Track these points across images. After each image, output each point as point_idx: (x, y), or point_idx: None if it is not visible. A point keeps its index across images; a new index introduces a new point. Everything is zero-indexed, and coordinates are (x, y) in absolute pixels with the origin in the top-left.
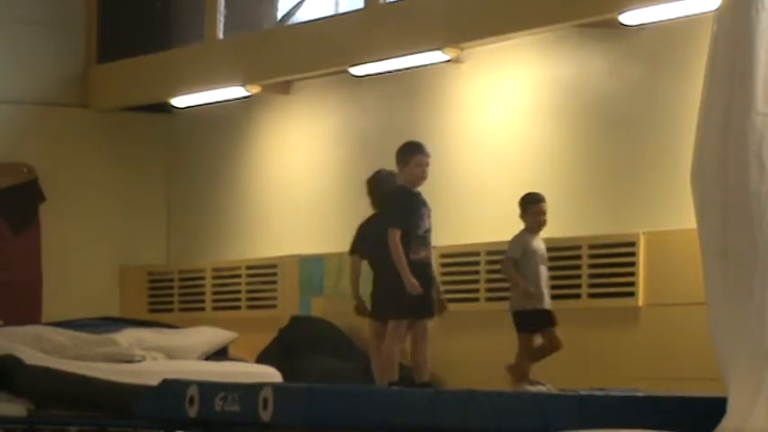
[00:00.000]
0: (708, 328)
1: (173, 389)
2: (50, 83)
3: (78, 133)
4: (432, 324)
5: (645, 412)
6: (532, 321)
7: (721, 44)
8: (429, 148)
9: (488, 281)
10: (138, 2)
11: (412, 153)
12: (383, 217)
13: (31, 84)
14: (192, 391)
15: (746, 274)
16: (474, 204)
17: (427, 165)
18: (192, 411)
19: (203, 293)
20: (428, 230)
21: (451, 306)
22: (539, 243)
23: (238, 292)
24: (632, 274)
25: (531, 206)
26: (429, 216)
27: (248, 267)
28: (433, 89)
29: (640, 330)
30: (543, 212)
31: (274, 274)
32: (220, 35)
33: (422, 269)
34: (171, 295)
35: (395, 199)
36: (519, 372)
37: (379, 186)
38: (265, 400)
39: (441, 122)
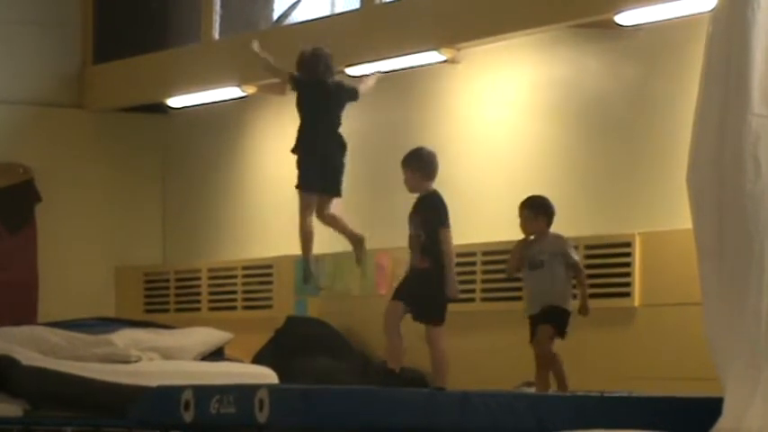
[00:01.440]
0: (703, 329)
1: (167, 394)
2: (46, 83)
3: (74, 134)
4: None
5: (641, 413)
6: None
7: (717, 44)
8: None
9: (484, 281)
10: (134, 2)
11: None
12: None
13: (27, 84)
14: (187, 395)
15: (742, 274)
16: (470, 205)
17: (404, 175)
18: (188, 416)
19: (199, 294)
20: (416, 236)
21: (450, 306)
22: (527, 247)
23: (234, 292)
24: (628, 275)
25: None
26: (416, 221)
27: (244, 268)
28: (428, 90)
29: (636, 331)
30: (522, 217)
31: (270, 275)
32: (216, 35)
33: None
34: (167, 296)
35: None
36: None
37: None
38: (261, 402)
39: (437, 123)
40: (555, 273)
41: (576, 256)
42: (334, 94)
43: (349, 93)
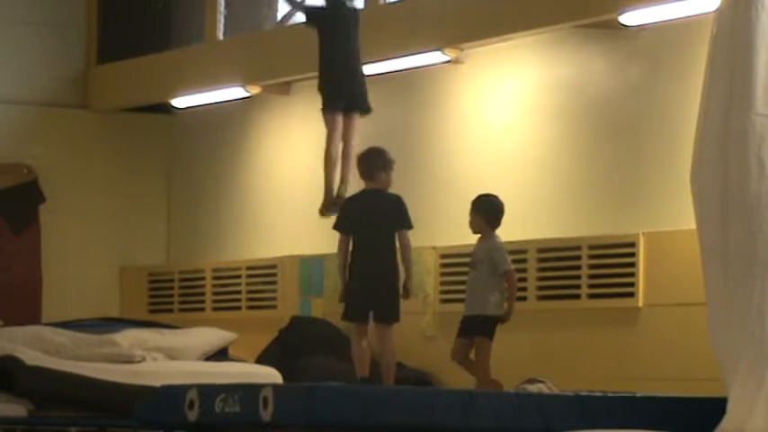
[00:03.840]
0: (707, 329)
1: (172, 394)
2: (51, 83)
3: (79, 134)
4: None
5: (644, 413)
6: None
7: (721, 45)
8: (429, 148)
9: None
10: (138, 2)
11: (389, 160)
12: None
13: (32, 84)
14: (192, 394)
15: (746, 274)
16: None
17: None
18: (193, 415)
19: (203, 294)
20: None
21: (451, 306)
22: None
23: (238, 292)
24: (632, 275)
25: None
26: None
27: (248, 268)
28: (433, 90)
29: (640, 331)
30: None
31: (274, 275)
32: (221, 36)
33: None
34: (171, 296)
35: (401, 203)
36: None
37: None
38: (265, 400)
39: (441, 123)
40: (480, 278)
41: (507, 265)
42: (353, 19)
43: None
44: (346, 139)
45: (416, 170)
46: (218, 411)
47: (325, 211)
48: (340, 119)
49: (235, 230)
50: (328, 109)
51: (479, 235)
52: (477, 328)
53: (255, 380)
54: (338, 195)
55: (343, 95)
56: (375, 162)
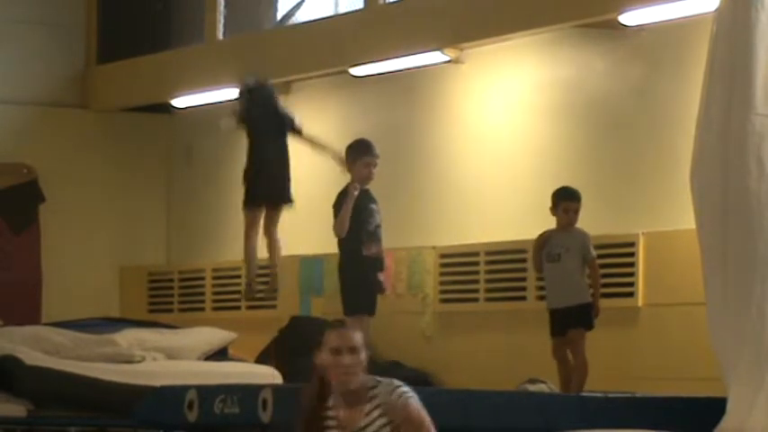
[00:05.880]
0: (707, 329)
1: (171, 394)
2: (50, 83)
3: (78, 134)
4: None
5: (645, 413)
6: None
7: (721, 45)
8: (428, 148)
9: (488, 281)
10: (138, 2)
11: (361, 153)
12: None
13: (31, 84)
14: (191, 395)
15: (746, 273)
16: (473, 205)
17: (375, 165)
18: (192, 416)
19: (203, 294)
20: (378, 226)
21: (451, 306)
22: (557, 240)
23: (238, 292)
24: (632, 275)
25: (560, 203)
26: (379, 212)
27: None
28: (432, 90)
29: (640, 330)
30: (568, 208)
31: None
32: (220, 36)
33: (373, 264)
34: (171, 295)
35: (341, 197)
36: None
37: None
38: (265, 402)
39: (440, 123)
40: (572, 266)
41: (594, 253)
42: (281, 121)
43: (292, 122)
44: (269, 232)
45: (416, 170)
46: (218, 412)
47: (245, 298)
48: (260, 214)
49: (234, 230)
50: (249, 205)
51: (556, 226)
52: (575, 320)
53: (255, 380)
54: (252, 289)
55: (267, 193)
56: (347, 153)
